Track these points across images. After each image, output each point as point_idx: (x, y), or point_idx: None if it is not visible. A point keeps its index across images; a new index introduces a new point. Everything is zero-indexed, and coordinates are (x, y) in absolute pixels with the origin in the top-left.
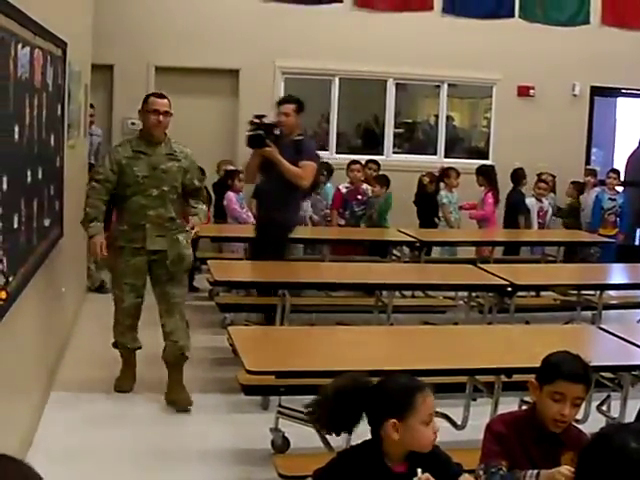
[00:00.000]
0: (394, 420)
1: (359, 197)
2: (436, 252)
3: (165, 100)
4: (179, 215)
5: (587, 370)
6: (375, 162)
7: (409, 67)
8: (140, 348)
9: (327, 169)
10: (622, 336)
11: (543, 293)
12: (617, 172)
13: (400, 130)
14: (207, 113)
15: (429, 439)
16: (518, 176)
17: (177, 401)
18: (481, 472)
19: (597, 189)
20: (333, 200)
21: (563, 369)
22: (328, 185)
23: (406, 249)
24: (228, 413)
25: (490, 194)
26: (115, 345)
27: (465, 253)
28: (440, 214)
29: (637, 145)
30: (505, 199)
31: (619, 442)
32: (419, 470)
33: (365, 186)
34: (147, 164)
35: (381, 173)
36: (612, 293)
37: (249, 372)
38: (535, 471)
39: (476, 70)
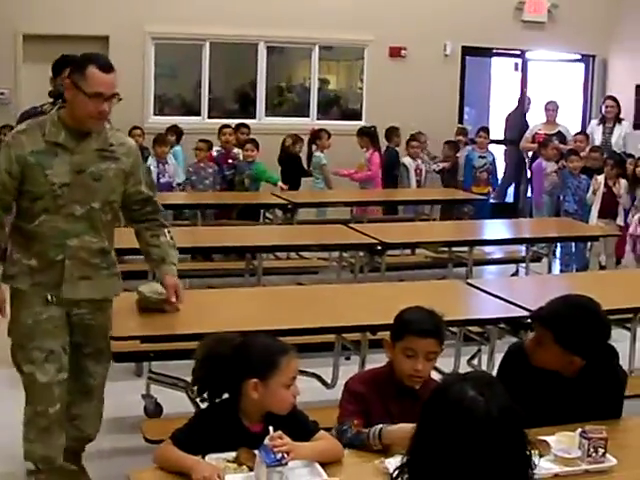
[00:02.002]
0: (255, 380)
1: (230, 161)
2: (312, 214)
3: (112, 75)
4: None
5: (438, 325)
6: (246, 125)
7: (280, 30)
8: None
9: (176, 132)
10: (489, 290)
11: (419, 251)
12: (487, 130)
13: (275, 93)
14: None
15: (288, 402)
16: (391, 134)
17: None
18: (334, 431)
19: (468, 148)
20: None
21: (412, 325)
22: (177, 148)
23: (279, 212)
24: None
25: (376, 154)
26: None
27: (341, 214)
28: (318, 175)
29: (516, 105)
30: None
31: (457, 392)
32: (271, 428)
33: (236, 150)
34: (69, 165)
35: (253, 137)
36: (491, 249)
37: (112, 338)
38: (378, 428)
39: (347, 32)
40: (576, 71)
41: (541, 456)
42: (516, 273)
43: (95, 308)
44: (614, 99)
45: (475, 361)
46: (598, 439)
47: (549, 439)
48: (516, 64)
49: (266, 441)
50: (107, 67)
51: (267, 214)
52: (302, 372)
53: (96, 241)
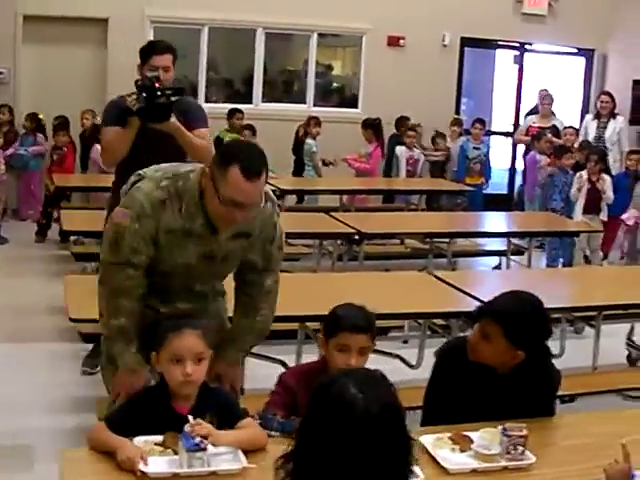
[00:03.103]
0: (154, 353)
1: None
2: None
3: (257, 183)
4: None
5: (370, 321)
6: (240, 111)
7: (278, 17)
8: None
9: None
10: (453, 283)
11: (407, 242)
12: (482, 122)
13: (272, 80)
14: (75, 63)
15: (176, 379)
16: (400, 124)
17: None
18: (256, 416)
19: (463, 138)
20: None
21: (344, 322)
22: None
23: None
24: (74, 360)
25: (378, 149)
26: None
27: (333, 202)
28: (309, 162)
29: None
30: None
31: (338, 389)
32: (190, 417)
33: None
34: (199, 250)
35: (250, 122)
36: (481, 241)
37: (71, 320)
38: None
39: (346, 20)
40: (576, 65)
41: (462, 451)
42: (499, 266)
43: None
44: (609, 94)
45: None
46: (518, 437)
47: (473, 435)
48: (515, 56)
49: (186, 427)
50: (253, 172)
51: None
52: (268, 358)
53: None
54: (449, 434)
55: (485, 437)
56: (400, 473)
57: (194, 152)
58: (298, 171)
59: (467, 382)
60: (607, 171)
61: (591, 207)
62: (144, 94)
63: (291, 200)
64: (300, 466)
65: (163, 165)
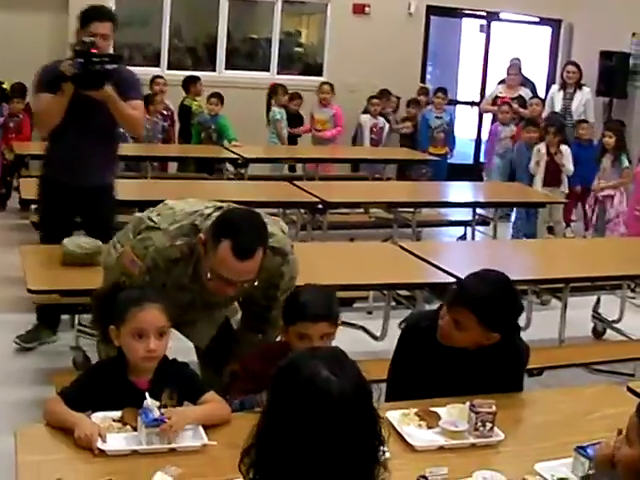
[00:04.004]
0: (112, 327)
1: (164, 112)
2: (266, 169)
3: (250, 262)
4: None
5: (330, 307)
6: (198, 78)
7: None
8: None
9: None
10: (418, 254)
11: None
12: (445, 91)
13: (236, 47)
14: (34, 29)
15: (137, 353)
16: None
17: None
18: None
19: (427, 108)
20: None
21: (304, 311)
22: None
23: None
24: None
25: (339, 109)
26: None
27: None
28: (273, 130)
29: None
30: None
31: (309, 371)
32: (147, 396)
33: (168, 102)
34: (198, 301)
35: (213, 90)
36: (444, 211)
37: (30, 291)
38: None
39: None
40: (542, 35)
41: (429, 427)
42: (464, 236)
43: None
44: (575, 65)
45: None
46: (487, 413)
47: (440, 410)
48: (481, 26)
49: (146, 402)
50: (245, 251)
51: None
52: None
53: None
54: (415, 410)
55: (452, 413)
56: (372, 455)
57: (126, 123)
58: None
59: (434, 358)
60: (566, 142)
61: (551, 180)
62: (79, 60)
63: (267, 169)
64: (264, 455)
65: (180, 207)
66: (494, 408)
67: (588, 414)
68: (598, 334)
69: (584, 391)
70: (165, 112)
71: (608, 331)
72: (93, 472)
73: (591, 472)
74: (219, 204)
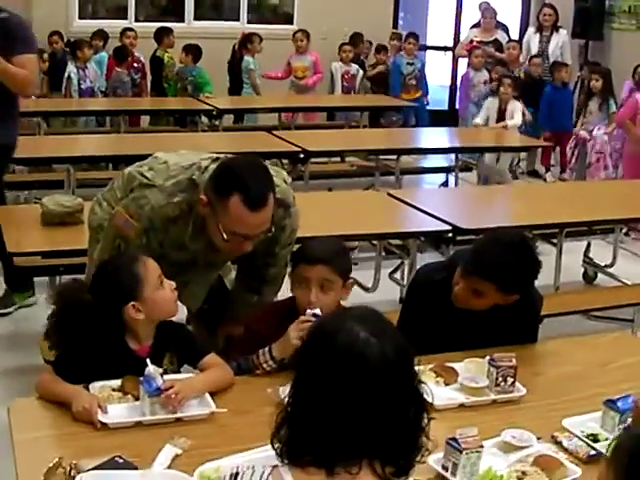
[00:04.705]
0: (132, 303)
1: (135, 65)
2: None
3: (262, 213)
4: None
5: (332, 251)
6: (170, 30)
7: None
8: None
9: (103, 37)
10: (411, 202)
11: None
12: (416, 36)
13: None
14: None
15: (170, 299)
16: (357, 40)
17: None
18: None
19: (399, 54)
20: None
21: (302, 252)
22: (103, 54)
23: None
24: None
25: (317, 56)
26: None
27: (270, 120)
28: (247, 80)
29: None
30: None
31: (346, 334)
32: (149, 362)
33: (138, 54)
34: (196, 261)
35: (182, 41)
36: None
37: (11, 254)
38: (267, 347)
39: None
40: None
41: (447, 384)
42: (446, 183)
43: None
44: (552, 7)
45: (397, 274)
46: (507, 367)
47: (457, 366)
48: None
49: (147, 370)
50: (257, 202)
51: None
52: None
53: None
54: (431, 365)
55: (470, 368)
56: (415, 424)
57: (10, 83)
58: (235, 90)
59: (447, 312)
60: (521, 97)
61: None
62: None
63: (229, 120)
64: (299, 430)
65: (174, 160)
66: (514, 361)
67: (607, 364)
68: (589, 279)
69: (599, 340)
70: (136, 65)
71: (599, 276)
72: (96, 448)
73: (621, 427)
74: (215, 155)
